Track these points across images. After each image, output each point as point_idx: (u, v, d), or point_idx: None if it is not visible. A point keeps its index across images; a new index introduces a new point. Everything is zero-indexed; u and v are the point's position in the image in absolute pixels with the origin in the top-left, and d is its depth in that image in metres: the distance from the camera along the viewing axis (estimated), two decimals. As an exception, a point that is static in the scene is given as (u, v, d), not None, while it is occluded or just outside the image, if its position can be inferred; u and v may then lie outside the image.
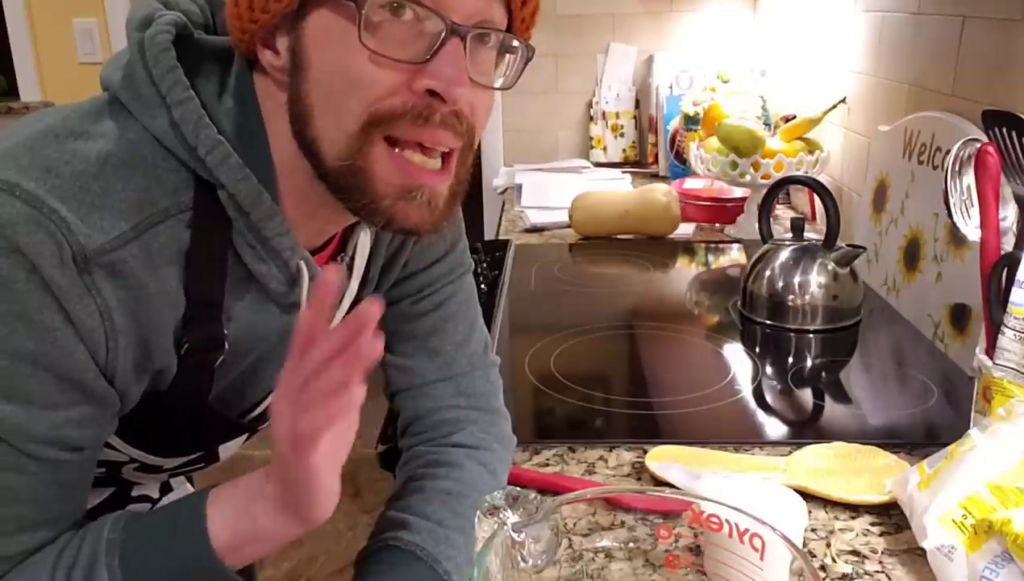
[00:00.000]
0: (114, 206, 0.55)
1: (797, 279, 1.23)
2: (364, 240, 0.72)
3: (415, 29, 0.57)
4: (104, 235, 0.54)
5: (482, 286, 1.38)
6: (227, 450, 0.77)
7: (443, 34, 0.56)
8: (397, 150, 0.58)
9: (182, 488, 0.95)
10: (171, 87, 0.58)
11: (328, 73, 0.57)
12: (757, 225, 1.35)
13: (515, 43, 0.62)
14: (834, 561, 0.73)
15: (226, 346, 0.63)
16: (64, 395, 0.55)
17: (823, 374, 1.12)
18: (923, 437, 0.93)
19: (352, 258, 0.72)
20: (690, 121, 2.05)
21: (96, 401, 0.58)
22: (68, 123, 0.57)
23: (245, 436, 0.76)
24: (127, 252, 0.55)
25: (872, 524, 0.78)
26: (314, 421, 0.51)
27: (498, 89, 0.64)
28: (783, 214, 1.92)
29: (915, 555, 0.73)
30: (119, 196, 0.56)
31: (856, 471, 0.84)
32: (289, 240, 0.62)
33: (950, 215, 1.08)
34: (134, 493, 0.85)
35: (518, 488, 0.53)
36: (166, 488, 0.91)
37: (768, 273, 1.25)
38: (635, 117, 2.46)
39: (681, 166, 2.12)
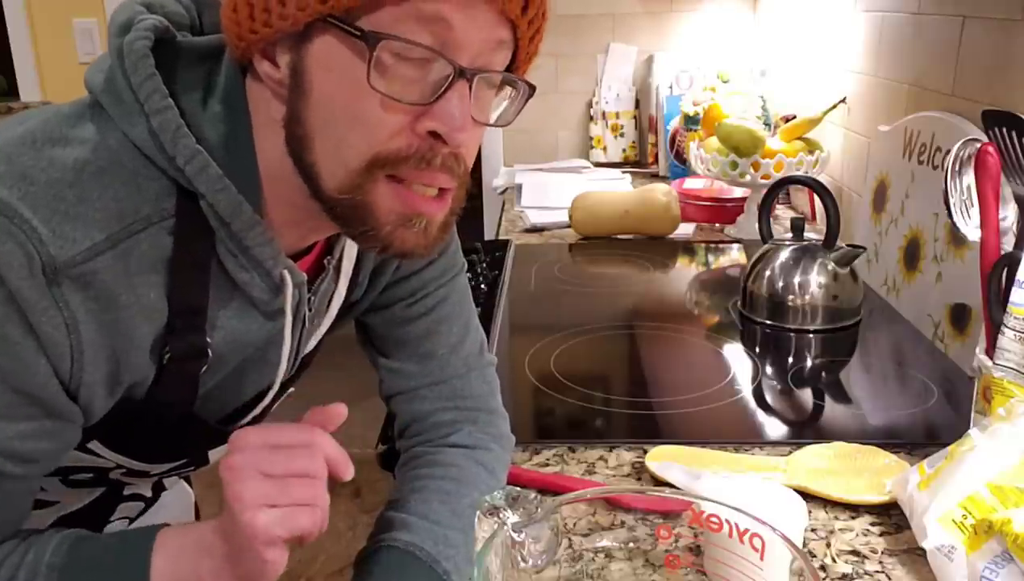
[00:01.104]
0: (89, 215, 0.54)
1: (797, 279, 1.23)
2: (351, 242, 0.72)
3: (422, 70, 0.56)
4: (76, 246, 0.54)
5: (482, 286, 1.38)
6: (217, 453, 0.76)
7: (451, 78, 0.56)
8: (398, 183, 0.58)
9: (177, 486, 0.95)
10: (149, 95, 0.57)
11: (331, 104, 0.57)
12: (757, 225, 1.35)
13: (517, 81, 0.62)
14: (834, 561, 0.73)
15: (209, 354, 0.62)
16: (21, 408, 0.55)
17: (823, 374, 1.12)
18: (923, 437, 0.93)
19: (339, 260, 0.72)
20: (690, 121, 2.05)
21: (55, 416, 0.57)
22: (48, 128, 0.57)
23: None
24: (99, 263, 0.54)
25: (872, 524, 0.78)
26: (288, 526, 0.53)
27: (494, 126, 0.63)
28: (783, 214, 1.92)
29: (915, 555, 0.73)
30: (95, 205, 0.55)
31: (856, 471, 0.84)
32: (271, 250, 0.61)
33: (950, 215, 1.08)
34: (126, 492, 0.85)
35: (518, 488, 0.53)
36: (159, 486, 0.91)
37: (768, 273, 1.25)
38: (635, 117, 2.46)
39: (681, 166, 2.12)
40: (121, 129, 0.57)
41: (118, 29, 0.59)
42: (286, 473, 0.54)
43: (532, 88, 0.63)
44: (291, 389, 0.78)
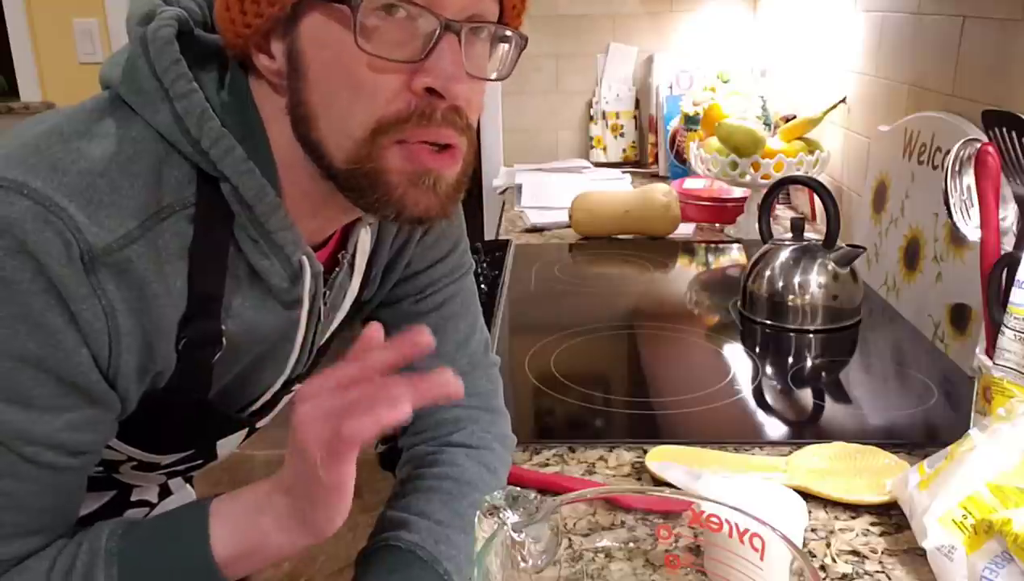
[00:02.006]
0: (121, 204, 0.55)
1: (797, 279, 1.23)
2: (364, 237, 0.72)
3: (409, 28, 0.57)
4: (111, 234, 0.54)
5: (482, 286, 1.38)
6: (224, 447, 0.77)
7: (437, 31, 0.56)
8: (406, 146, 0.59)
9: (181, 491, 0.95)
10: (175, 80, 0.58)
11: (328, 77, 0.57)
12: (757, 225, 1.35)
13: (508, 33, 0.62)
14: (834, 561, 0.73)
15: (223, 342, 0.63)
16: (65, 398, 0.55)
17: (823, 374, 1.12)
18: (923, 437, 0.93)
19: (353, 255, 0.72)
20: (690, 121, 2.05)
21: (98, 404, 0.57)
22: (72, 123, 0.57)
23: (245, 433, 0.76)
24: (133, 251, 0.55)
25: (872, 524, 0.78)
26: (362, 426, 0.50)
27: (493, 80, 0.64)
28: (783, 214, 1.92)
29: (915, 555, 0.73)
30: (126, 193, 0.56)
31: (856, 471, 0.84)
32: (293, 234, 0.62)
33: (950, 215, 1.08)
34: (133, 498, 0.85)
35: (518, 488, 0.53)
36: (165, 492, 0.91)
37: (768, 273, 1.25)
38: (635, 117, 2.46)
39: (681, 166, 2.12)
40: (143, 117, 0.58)
41: (140, 19, 0.60)
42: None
43: (524, 39, 0.63)
44: (299, 386, 0.78)
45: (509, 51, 0.64)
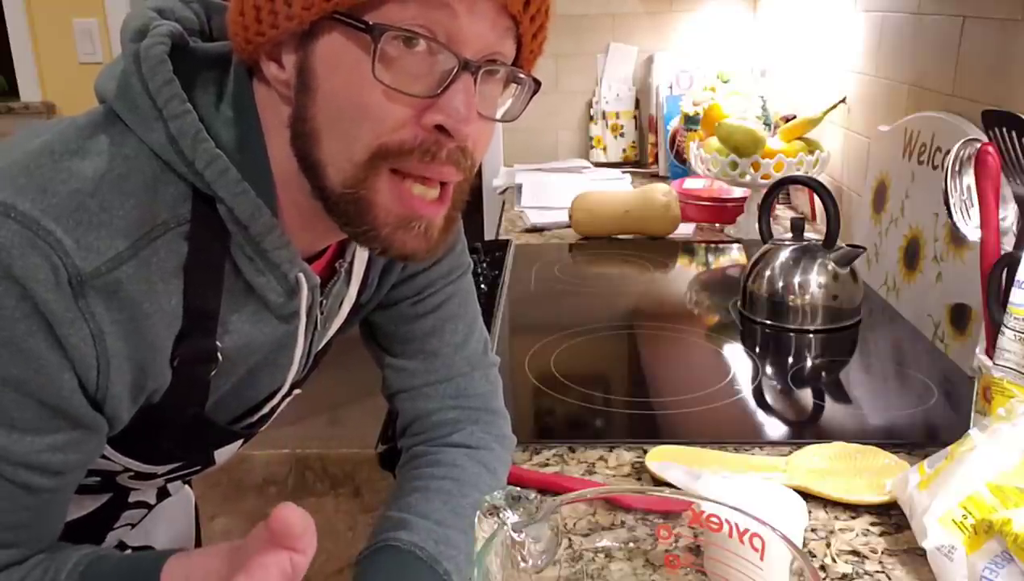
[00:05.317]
0: (112, 224, 0.54)
1: (797, 279, 1.23)
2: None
3: (427, 63, 0.56)
4: (100, 256, 0.54)
5: (482, 286, 1.38)
6: (223, 455, 0.77)
7: (455, 70, 0.56)
8: (400, 180, 0.58)
9: (180, 492, 0.95)
10: (168, 100, 0.57)
11: (337, 99, 0.57)
12: (757, 225, 1.35)
13: (521, 76, 0.62)
14: (834, 561, 0.73)
15: (219, 358, 0.62)
16: (48, 421, 0.55)
17: (823, 374, 1.12)
18: (923, 437, 0.93)
19: (351, 263, 0.72)
20: (690, 121, 2.04)
21: (82, 427, 0.57)
22: (64, 139, 0.57)
23: (240, 441, 0.76)
24: (123, 273, 0.55)
25: (872, 524, 0.78)
26: None
27: (501, 121, 0.63)
28: (783, 214, 1.92)
29: (915, 555, 0.73)
30: (116, 213, 0.55)
31: (856, 471, 0.84)
32: (288, 253, 0.62)
33: (950, 215, 1.08)
34: (131, 499, 0.85)
35: (518, 488, 0.53)
36: (163, 493, 0.91)
37: (768, 273, 1.25)
38: (635, 117, 2.46)
39: (681, 166, 2.12)
40: (137, 135, 0.57)
41: (133, 35, 0.59)
42: None
43: (537, 83, 0.63)
44: (298, 390, 0.78)
45: (522, 93, 0.63)
